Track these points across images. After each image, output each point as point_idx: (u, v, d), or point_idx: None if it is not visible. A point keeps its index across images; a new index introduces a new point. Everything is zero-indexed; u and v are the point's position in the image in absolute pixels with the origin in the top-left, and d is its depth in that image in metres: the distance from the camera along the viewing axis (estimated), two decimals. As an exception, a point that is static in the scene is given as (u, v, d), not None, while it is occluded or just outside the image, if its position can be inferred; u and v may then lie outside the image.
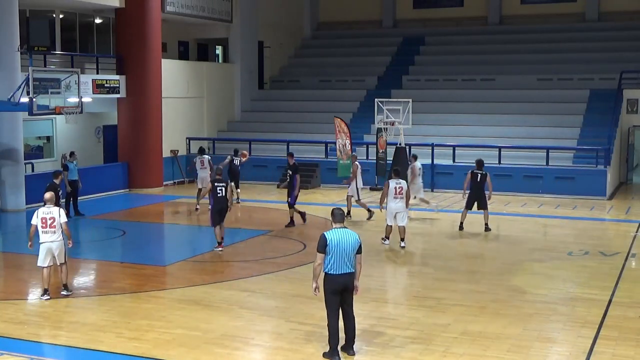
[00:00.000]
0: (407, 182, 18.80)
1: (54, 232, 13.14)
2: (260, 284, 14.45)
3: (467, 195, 19.55)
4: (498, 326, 11.72)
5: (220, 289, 13.96)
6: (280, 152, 29.20)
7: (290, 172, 20.15)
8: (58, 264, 13.39)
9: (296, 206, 20.20)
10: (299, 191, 20.24)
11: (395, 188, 17.30)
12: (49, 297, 13.28)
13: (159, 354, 10.49)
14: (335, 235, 10.15)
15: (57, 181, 16.41)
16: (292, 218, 20.14)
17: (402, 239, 17.47)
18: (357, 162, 21.59)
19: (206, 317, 12.20)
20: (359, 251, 10.26)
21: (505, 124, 29.25)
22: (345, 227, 10.35)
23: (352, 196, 21.39)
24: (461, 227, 19.53)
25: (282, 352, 10.68)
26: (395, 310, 12.69)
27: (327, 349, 10.29)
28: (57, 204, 13.90)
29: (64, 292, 13.47)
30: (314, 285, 10.31)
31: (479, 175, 19.27)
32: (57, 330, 11.57)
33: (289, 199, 20.06)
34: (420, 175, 22.34)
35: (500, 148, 26.49)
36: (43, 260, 13.25)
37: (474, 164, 19.73)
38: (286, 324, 11.88)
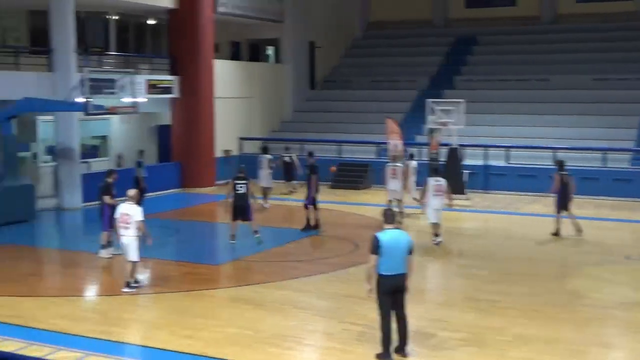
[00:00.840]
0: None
1: (127, 228, 13.54)
2: (312, 284, 14.44)
3: (555, 198, 18.84)
4: (553, 330, 11.53)
5: (273, 289, 13.99)
6: (332, 153, 29.21)
7: (308, 172, 19.80)
8: (127, 259, 13.70)
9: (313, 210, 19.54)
10: (315, 192, 19.34)
11: (435, 185, 17.82)
12: (137, 285, 13.78)
13: (212, 352, 10.54)
14: (388, 236, 10.12)
15: (110, 180, 16.60)
16: (308, 220, 19.47)
17: (436, 235, 17.85)
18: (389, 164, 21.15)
19: (258, 316, 12.24)
20: (411, 252, 10.23)
21: (559, 124, 28.80)
22: (397, 228, 10.33)
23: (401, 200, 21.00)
24: (557, 233, 18.80)
25: (334, 352, 10.66)
26: (447, 312, 12.57)
27: (379, 349, 10.24)
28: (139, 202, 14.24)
29: (125, 290, 13.65)
30: (368, 288, 10.27)
31: (566, 176, 18.96)
32: (113, 327, 11.70)
33: (306, 200, 19.54)
34: (415, 174, 22.27)
35: (554, 149, 26.11)
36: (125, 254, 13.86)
37: (556, 166, 19.21)
38: (338, 324, 11.85)
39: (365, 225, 20.17)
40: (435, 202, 17.81)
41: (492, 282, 14.61)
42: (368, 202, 24.05)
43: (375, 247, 10.04)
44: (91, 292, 14.60)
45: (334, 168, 24.07)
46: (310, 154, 20.95)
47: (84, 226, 21.51)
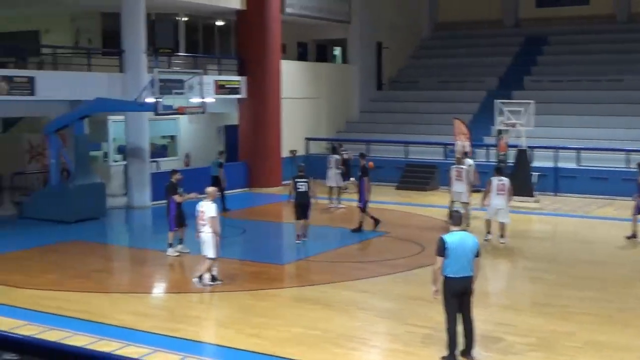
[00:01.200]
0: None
1: (203, 225, 13.81)
2: (378, 285, 14.37)
3: (636, 201, 18.12)
4: (626, 337, 11.23)
5: (338, 289, 13.96)
6: (399, 154, 29.06)
7: (360, 174, 19.67)
8: (203, 255, 13.89)
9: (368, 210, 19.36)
10: (368, 194, 19.20)
11: (498, 185, 17.89)
12: (216, 282, 13.92)
13: (277, 351, 10.57)
14: (454, 238, 10.03)
15: (173, 180, 16.86)
16: (361, 223, 19.29)
17: (502, 236, 17.82)
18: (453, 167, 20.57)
19: (324, 316, 12.23)
20: (477, 254, 10.13)
21: (632, 126, 28.01)
22: (463, 230, 10.24)
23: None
24: (635, 236, 18.25)
25: (399, 354, 10.58)
26: (515, 316, 12.33)
27: (444, 352, 10.13)
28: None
29: (195, 280, 13.85)
30: (434, 289, 10.18)
31: None
32: (179, 324, 11.83)
33: (359, 203, 19.29)
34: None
35: (627, 152, 25.44)
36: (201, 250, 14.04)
37: (638, 169, 18.56)
38: (403, 326, 11.76)
39: (431, 227, 19.98)
40: (497, 201, 17.86)
41: (561, 286, 14.30)
42: (435, 204, 23.77)
43: (441, 249, 9.96)
44: (158, 289, 14.81)
45: (371, 164, 23.90)
46: (362, 155, 20.81)
47: (153, 224, 21.85)
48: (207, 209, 13.81)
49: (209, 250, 13.78)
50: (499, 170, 18.73)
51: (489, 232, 17.98)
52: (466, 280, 10.04)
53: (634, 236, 18.24)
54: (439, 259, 9.99)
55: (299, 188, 17.72)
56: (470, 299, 10.20)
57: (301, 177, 17.85)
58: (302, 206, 17.80)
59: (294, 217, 17.97)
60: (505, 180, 18.03)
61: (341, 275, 15.24)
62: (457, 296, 10.05)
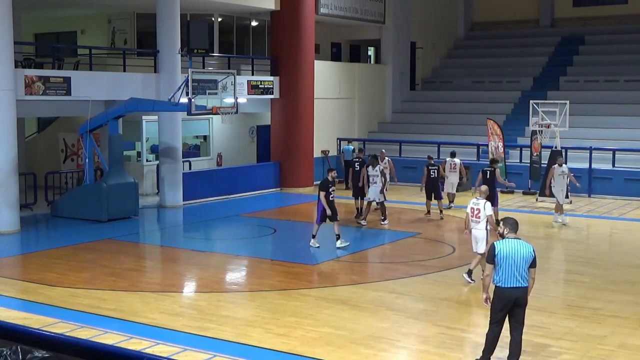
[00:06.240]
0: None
1: (478, 222, 14.00)
2: (408, 286, 14.30)
3: None
4: (660, 341, 11.06)
5: (368, 290, 13.94)
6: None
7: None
8: (475, 251, 14.06)
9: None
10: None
11: (450, 164, 22.95)
12: (470, 279, 14.02)
13: (305, 351, 10.57)
14: (506, 245, 9.58)
15: (329, 177, 17.29)
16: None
17: (452, 202, 22.92)
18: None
19: (353, 317, 12.20)
20: (533, 265, 9.58)
21: (670, 127, 27.67)
22: (518, 238, 9.73)
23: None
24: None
25: (429, 355, 10.51)
26: (547, 318, 12.19)
27: (475, 354, 10.05)
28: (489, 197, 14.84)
29: (464, 276, 14.07)
30: (484, 297, 9.85)
31: None
32: (209, 323, 11.88)
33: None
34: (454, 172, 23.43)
35: (664, 153, 25.10)
36: (474, 247, 14.19)
37: None
38: (433, 327, 11.70)
39: (463, 228, 19.81)
40: (452, 177, 22.87)
41: (594, 289, 14.13)
42: (466, 205, 23.57)
43: (491, 256, 9.59)
44: (189, 288, 14.89)
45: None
46: (360, 150, 23.60)
47: (184, 223, 21.97)
48: (483, 207, 13.93)
49: (483, 247, 13.81)
50: (452, 154, 23.25)
51: (450, 202, 22.85)
52: (517, 291, 9.47)
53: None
54: (489, 266, 9.66)
55: (431, 174, 21.15)
56: (522, 312, 9.72)
57: (432, 165, 21.35)
58: (430, 189, 21.33)
59: (426, 197, 21.44)
60: (457, 161, 22.90)
61: (371, 276, 15.23)
62: (506, 307, 9.61)
